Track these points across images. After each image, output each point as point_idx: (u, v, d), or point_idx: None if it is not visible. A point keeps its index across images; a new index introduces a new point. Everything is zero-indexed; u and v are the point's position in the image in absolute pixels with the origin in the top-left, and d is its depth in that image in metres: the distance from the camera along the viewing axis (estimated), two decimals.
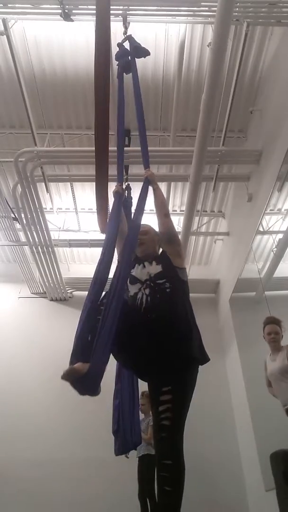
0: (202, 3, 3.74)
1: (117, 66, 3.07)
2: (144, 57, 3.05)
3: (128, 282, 2.09)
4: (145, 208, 2.41)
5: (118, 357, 2.06)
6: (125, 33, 3.48)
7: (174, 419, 1.78)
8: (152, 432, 3.94)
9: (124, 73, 3.04)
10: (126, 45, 3.14)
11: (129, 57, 3.01)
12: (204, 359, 2.00)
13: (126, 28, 3.60)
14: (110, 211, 2.60)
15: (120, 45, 3.14)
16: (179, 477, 1.71)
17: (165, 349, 1.86)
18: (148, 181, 2.47)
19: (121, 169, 2.84)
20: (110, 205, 4.24)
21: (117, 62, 3.06)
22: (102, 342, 1.72)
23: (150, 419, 4.04)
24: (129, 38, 3.13)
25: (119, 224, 2.33)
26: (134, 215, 2.38)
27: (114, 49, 3.28)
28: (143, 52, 3.02)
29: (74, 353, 1.78)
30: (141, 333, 1.89)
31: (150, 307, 1.97)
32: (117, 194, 2.54)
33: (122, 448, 2.33)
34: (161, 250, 2.36)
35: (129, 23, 3.73)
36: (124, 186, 2.88)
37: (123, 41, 3.16)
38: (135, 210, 2.36)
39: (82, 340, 1.82)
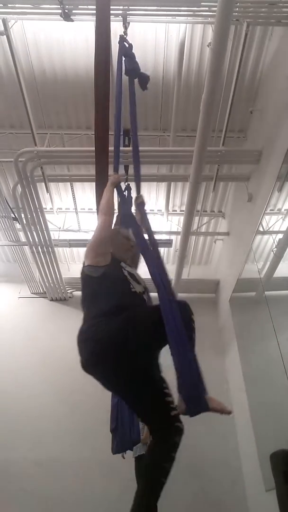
0: (202, 3, 3.74)
1: (121, 63, 2.98)
2: (142, 83, 2.95)
3: (129, 276, 2.06)
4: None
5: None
6: (125, 33, 3.45)
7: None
8: (148, 432, 3.94)
9: (124, 74, 3.00)
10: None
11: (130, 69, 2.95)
12: None
13: (126, 28, 3.58)
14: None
15: (122, 37, 3.07)
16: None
17: None
18: (143, 206, 2.54)
19: (117, 154, 2.84)
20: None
21: (123, 58, 2.98)
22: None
23: None
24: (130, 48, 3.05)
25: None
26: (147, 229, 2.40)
27: (114, 50, 3.27)
28: (144, 78, 2.93)
29: (204, 388, 1.76)
30: None
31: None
32: (117, 183, 2.55)
33: (120, 446, 2.33)
34: None
35: (129, 23, 3.72)
36: (124, 187, 2.88)
37: (124, 40, 3.12)
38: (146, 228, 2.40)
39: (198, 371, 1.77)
